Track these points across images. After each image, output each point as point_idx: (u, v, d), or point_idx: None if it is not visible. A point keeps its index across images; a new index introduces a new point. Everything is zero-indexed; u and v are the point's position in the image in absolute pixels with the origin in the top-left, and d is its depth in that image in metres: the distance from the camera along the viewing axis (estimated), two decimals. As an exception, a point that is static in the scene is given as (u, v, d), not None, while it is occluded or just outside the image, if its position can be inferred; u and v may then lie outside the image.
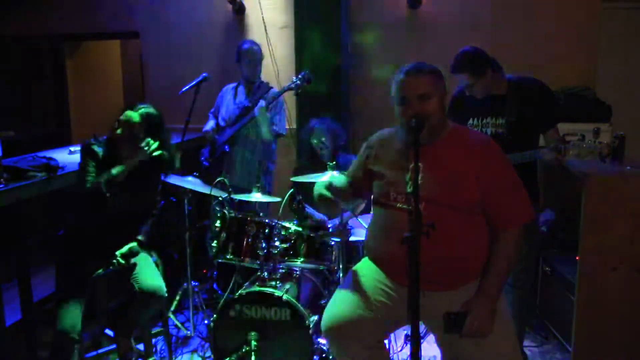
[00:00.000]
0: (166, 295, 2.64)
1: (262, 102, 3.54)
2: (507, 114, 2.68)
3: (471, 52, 2.65)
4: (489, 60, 2.67)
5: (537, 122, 2.70)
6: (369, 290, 2.07)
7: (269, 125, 3.60)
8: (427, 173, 1.95)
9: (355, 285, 2.12)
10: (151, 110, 2.73)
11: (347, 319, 2.04)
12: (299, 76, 3.52)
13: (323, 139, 3.48)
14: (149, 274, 2.65)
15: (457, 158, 1.96)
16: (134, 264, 2.64)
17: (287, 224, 2.91)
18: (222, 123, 3.82)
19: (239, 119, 3.68)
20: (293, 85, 3.50)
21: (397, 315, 2.01)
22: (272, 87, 3.80)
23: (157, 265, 2.83)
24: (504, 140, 2.49)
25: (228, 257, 2.90)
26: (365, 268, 2.17)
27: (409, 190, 1.91)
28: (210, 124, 3.86)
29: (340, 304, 2.10)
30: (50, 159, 2.93)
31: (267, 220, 2.92)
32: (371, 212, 3.12)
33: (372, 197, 2.22)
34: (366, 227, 2.54)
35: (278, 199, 3.35)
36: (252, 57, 3.70)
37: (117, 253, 2.62)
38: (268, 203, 3.53)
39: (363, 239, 2.91)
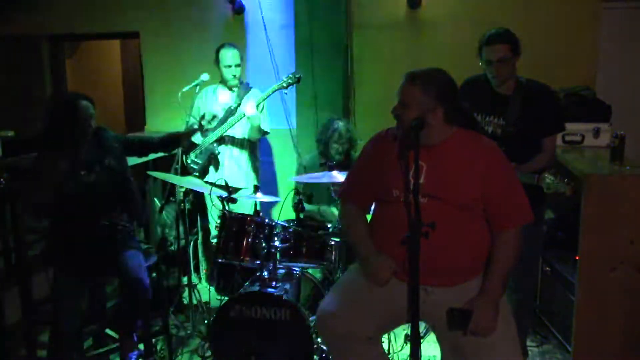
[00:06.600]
0: (148, 287, 2.70)
1: (253, 103, 3.55)
2: (507, 117, 2.67)
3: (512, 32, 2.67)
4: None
5: (537, 127, 2.69)
6: (365, 286, 2.07)
7: (261, 123, 3.64)
8: (430, 171, 1.97)
9: (352, 281, 2.15)
10: None
11: (338, 311, 2.07)
12: (289, 74, 3.53)
13: (342, 147, 3.53)
14: (134, 265, 2.71)
15: (461, 158, 1.99)
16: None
17: (287, 224, 2.91)
18: (204, 124, 3.83)
19: (226, 119, 3.70)
20: (284, 84, 3.52)
21: (396, 312, 2.02)
22: (251, 87, 3.84)
23: (157, 266, 2.83)
24: (501, 141, 2.48)
25: (228, 257, 2.90)
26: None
27: (410, 188, 1.93)
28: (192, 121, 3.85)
29: (333, 297, 2.15)
30: None
31: (267, 220, 2.92)
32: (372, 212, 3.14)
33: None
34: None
35: (278, 199, 3.36)
36: (229, 62, 3.71)
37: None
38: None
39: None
